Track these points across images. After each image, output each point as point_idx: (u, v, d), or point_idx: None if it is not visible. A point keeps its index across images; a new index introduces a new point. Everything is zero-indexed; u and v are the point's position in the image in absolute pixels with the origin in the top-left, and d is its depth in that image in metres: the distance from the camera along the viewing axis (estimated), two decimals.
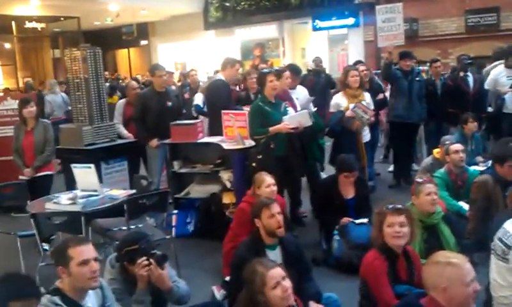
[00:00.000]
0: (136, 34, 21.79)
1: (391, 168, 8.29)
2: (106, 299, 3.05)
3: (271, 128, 5.59)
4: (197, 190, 6.37)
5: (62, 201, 4.96)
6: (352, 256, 4.75)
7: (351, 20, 15.22)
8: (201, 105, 7.51)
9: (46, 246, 4.89)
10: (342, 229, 5.05)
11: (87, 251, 2.88)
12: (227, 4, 17.60)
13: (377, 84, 8.01)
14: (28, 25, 17.61)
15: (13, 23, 17.19)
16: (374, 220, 3.65)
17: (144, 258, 3.22)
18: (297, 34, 16.97)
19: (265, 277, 2.81)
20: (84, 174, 5.24)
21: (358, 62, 8.37)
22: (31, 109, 6.22)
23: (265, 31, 17.07)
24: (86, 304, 2.93)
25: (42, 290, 2.89)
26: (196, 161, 6.48)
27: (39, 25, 18.13)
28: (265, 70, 6.55)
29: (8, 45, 18.48)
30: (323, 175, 6.95)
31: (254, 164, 5.54)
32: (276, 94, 5.92)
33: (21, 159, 6.22)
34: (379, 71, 8.70)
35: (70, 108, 9.70)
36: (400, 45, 7.47)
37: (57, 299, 2.81)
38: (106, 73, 18.86)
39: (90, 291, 2.96)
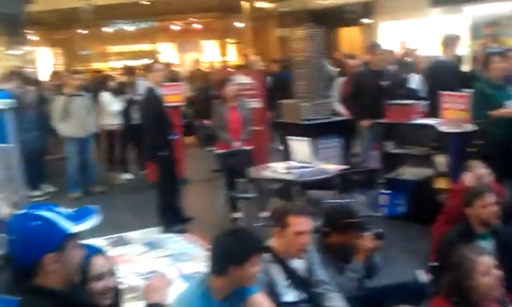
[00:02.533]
0: (360, 12, 21.76)
1: None
2: (312, 262, 3.24)
3: (492, 112, 5.19)
4: (409, 172, 6.27)
5: (279, 170, 5.35)
6: None
7: None
8: (417, 88, 7.31)
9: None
10: None
11: (305, 223, 3.07)
12: None
13: None
14: (258, 5, 18.88)
15: (245, 3, 18.57)
16: None
17: (370, 232, 3.36)
18: None
19: (475, 263, 2.70)
20: (300, 146, 5.55)
21: None
22: (232, 88, 6.54)
23: (499, 7, 15.62)
24: (293, 265, 3.16)
25: None
26: (410, 142, 6.36)
27: (268, 5, 19.32)
28: (491, 50, 6.09)
29: (238, 24, 20.11)
30: None
31: (472, 149, 5.23)
32: (504, 77, 5.46)
33: (226, 134, 6.50)
34: None
35: None
36: None
37: (268, 256, 3.09)
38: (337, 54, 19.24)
39: None
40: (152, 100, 6.08)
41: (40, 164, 8.12)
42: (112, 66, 15.79)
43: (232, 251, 2.55)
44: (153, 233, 6.20)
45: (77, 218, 1.81)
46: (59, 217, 1.78)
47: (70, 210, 1.85)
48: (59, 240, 1.75)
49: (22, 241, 1.74)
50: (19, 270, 1.78)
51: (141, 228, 6.31)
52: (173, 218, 6.26)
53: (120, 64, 14.27)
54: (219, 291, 2.59)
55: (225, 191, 6.32)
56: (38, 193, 7.77)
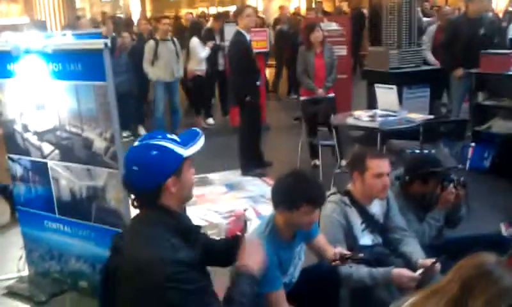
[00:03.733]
0: None
1: None
2: (390, 208, 3.24)
3: None
4: (500, 126, 5.98)
5: (362, 118, 5.29)
6: None
7: None
8: None
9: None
10: None
11: (384, 165, 3.05)
12: None
13: None
14: None
15: None
16: None
17: (452, 184, 3.31)
18: None
19: None
20: (386, 94, 5.44)
21: None
22: (318, 34, 6.38)
23: None
24: (371, 210, 3.18)
25: (335, 189, 3.24)
26: (503, 94, 6.04)
27: None
28: None
29: None
30: None
31: None
32: None
33: (311, 80, 6.44)
34: None
35: None
36: None
37: (346, 199, 3.12)
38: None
39: (376, 200, 3.18)
40: (241, 45, 6.14)
41: (130, 106, 8.48)
42: (200, 12, 16.05)
43: (284, 193, 2.56)
44: (233, 175, 6.41)
45: (186, 142, 1.96)
46: (173, 143, 1.92)
47: (175, 136, 1.97)
48: (176, 164, 1.90)
49: (145, 170, 1.88)
50: (143, 195, 1.93)
51: (222, 170, 6.54)
52: (253, 162, 6.40)
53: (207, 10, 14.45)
54: (282, 230, 2.64)
55: (306, 138, 6.34)
56: (127, 133, 8.18)
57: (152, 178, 1.88)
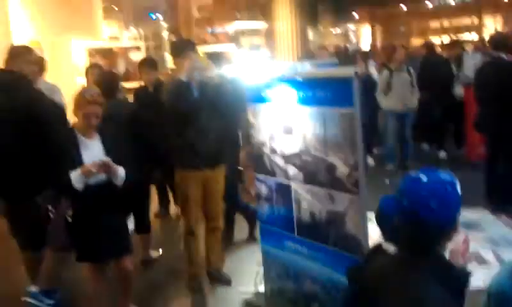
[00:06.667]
0: None
1: None
2: None
3: None
4: None
5: None
6: None
7: None
8: None
9: None
10: None
11: None
12: None
13: None
14: None
15: None
16: None
17: None
18: None
19: None
20: None
21: None
22: None
23: None
24: None
25: None
26: None
27: None
28: None
29: None
30: None
31: None
32: None
33: None
34: None
35: None
36: None
37: None
38: None
39: None
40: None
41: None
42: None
43: None
44: (471, 213, 5.90)
45: None
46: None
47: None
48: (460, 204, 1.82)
49: (444, 207, 1.78)
50: (433, 236, 1.82)
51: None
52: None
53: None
54: None
55: None
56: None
57: (450, 217, 1.79)
